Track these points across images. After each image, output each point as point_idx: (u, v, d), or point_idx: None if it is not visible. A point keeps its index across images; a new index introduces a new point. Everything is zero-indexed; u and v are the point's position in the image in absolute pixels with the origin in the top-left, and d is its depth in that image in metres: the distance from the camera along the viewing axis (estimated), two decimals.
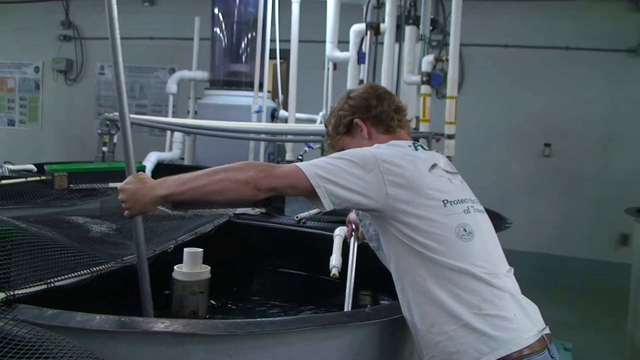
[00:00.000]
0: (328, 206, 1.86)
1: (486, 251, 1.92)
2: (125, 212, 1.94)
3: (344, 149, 2.14)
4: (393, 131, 2.19)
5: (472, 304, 1.81)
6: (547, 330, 1.89)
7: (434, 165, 1.98)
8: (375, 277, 2.85)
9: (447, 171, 2.04)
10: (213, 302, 2.74)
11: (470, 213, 1.95)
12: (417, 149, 2.03)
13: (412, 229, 1.88)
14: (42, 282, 1.97)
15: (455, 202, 1.93)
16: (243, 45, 7.19)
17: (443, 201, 1.91)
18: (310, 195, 1.86)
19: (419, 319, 1.89)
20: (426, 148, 2.06)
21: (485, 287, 1.83)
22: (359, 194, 1.87)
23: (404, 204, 1.88)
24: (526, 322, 1.84)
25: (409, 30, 5.45)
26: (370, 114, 2.19)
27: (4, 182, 3.85)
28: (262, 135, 5.79)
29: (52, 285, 1.98)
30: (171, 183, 1.89)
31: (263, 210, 3.74)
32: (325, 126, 2.34)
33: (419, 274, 1.87)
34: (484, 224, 2.00)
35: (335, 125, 2.25)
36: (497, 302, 1.82)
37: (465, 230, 1.89)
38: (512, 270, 1.97)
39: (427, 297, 1.85)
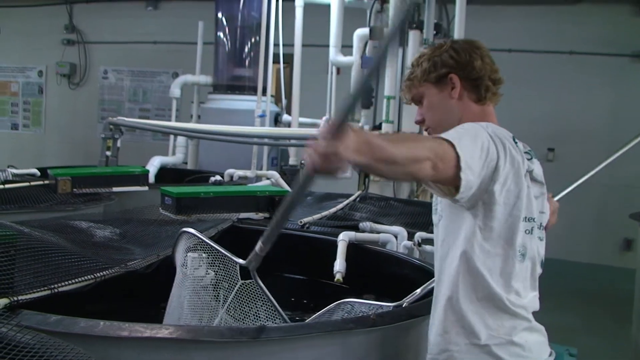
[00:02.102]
0: (459, 197, 1.71)
1: (527, 276, 1.87)
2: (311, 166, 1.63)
3: (421, 99, 2.03)
4: (484, 102, 1.99)
5: (492, 327, 1.79)
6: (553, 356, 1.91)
7: (528, 171, 1.85)
8: (379, 282, 2.85)
9: (536, 181, 1.91)
10: None
11: (532, 234, 1.87)
12: (517, 144, 1.86)
13: (485, 231, 1.79)
14: (45, 288, 1.96)
15: (527, 220, 1.84)
16: (246, 50, 7.21)
17: (524, 217, 1.82)
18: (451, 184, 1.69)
19: (437, 319, 1.88)
20: (523, 147, 1.89)
21: (509, 317, 1.81)
22: (478, 187, 1.72)
23: (495, 205, 1.77)
24: (538, 351, 1.85)
25: (412, 34, 5.44)
26: (470, 75, 1.97)
27: (7, 186, 3.85)
28: (265, 140, 5.79)
29: (56, 290, 1.98)
30: (369, 155, 1.54)
31: (267, 215, 3.73)
32: (412, 65, 2.07)
33: (455, 283, 1.83)
34: (539, 248, 1.92)
35: (427, 70, 2.00)
36: (516, 330, 1.81)
37: (519, 251, 1.82)
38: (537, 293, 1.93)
39: (453, 305, 1.83)
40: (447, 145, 1.64)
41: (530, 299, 1.88)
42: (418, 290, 2.39)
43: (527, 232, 1.86)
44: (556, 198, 2.49)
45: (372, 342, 2.01)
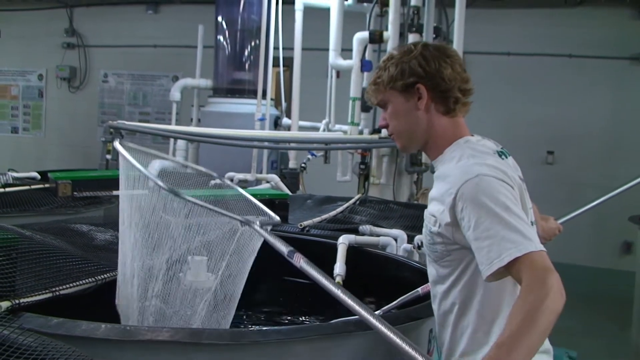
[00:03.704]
0: None
1: None
2: None
3: (385, 104, 1.94)
4: (453, 115, 1.90)
5: None
6: None
7: (519, 176, 1.84)
8: (380, 285, 2.86)
9: (520, 179, 1.88)
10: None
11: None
12: (502, 158, 1.83)
13: None
14: (47, 291, 1.96)
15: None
16: (246, 53, 7.22)
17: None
18: None
19: (447, 347, 1.87)
20: (507, 154, 1.88)
21: None
22: None
23: None
24: None
25: (412, 38, 5.46)
26: (439, 87, 1.86)
27: (8, 189, 3.86)
28: (265, 143, 5.81)
29: (57, 293, 1.98)
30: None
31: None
32: (379, 67, 1.96)
33: (479, 311, 1.80)
34: None
35: (394, 78, 1.88)
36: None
37: None
38: None
39: (477, 337, 1.80)
40: (530, 261, 1.56)
41: None
42: (394, 302, 2.40)
43: None
44: (560, 221, 2.48)
45: (371, 345, 2.01)
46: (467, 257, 1.76)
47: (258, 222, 2.00)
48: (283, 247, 1.82)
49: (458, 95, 1.88)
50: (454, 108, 1.89)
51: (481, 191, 1.67)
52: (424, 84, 1.86)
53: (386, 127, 1.98)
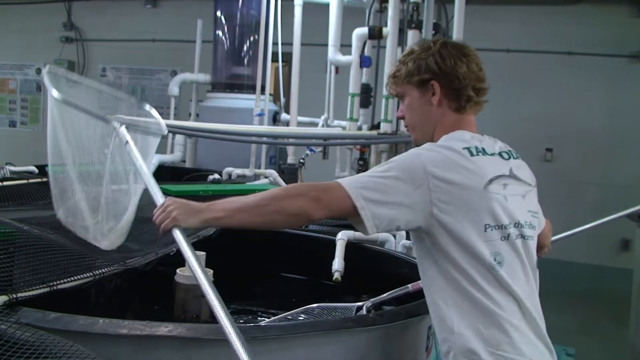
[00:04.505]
0: (371, 230, 1.77)
1: (521, 282, 1.82)
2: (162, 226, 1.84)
3: (403, 97, 2.03)
4: (463, 112, 1.96)
5: (491, 342, 1.74)
6: None
7: (491, 180, 1.81)
8: (378, 281, 2.85)
9: (518, 179, 1.90)
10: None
11: (508, 240, 1.82)
12: (477, 154, 1.84)
13: (446, 250, 1.77)
14: (44, 285, 1.95)
15: (496, 228, 1.79)
16: (245, 48, 7.20)
17: (485, 225, 1.78)
18: (354, 216, 1.78)
19: (438, 341, 1.87)
20: (490, 152, 1.88)
21: (508, 326, 1.76)
22: (404, 214, 1.75)
23: (448, 224, 1.76)
24: None
25: (411, 34, 5.44)
26: (452, 85, 1.93)
27: (5, 183, 3.84)
28: (264, 139, 5.79)
29: (55, 288, 1.97)
30: (220, 208, 1.80)
31: None
32: (399, 61, 2.05)
33: (442, 299, 1.80)
34: (520, 252, 1.85)
35: (411, 73, 1.98)
36: (515, 344, 1.75)
37: (495, 259, 1.78)
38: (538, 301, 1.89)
39: (447, 324, 1.80)
40: (333, 184, 1.77)
41: (528, 308, 1.83)
42: (384, 295, 2.41)
43: (503, 238, 1.80)
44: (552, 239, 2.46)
45: (370, 341, 2.01)
46: (428, 247, 1.82)
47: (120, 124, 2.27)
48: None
49: (471, 93, 1.94)
50: (464, 106, 1.96)
51: (401, 155, 1.85)
52: (438, 81, 1.94)
53: (403, 118, 2.07)
